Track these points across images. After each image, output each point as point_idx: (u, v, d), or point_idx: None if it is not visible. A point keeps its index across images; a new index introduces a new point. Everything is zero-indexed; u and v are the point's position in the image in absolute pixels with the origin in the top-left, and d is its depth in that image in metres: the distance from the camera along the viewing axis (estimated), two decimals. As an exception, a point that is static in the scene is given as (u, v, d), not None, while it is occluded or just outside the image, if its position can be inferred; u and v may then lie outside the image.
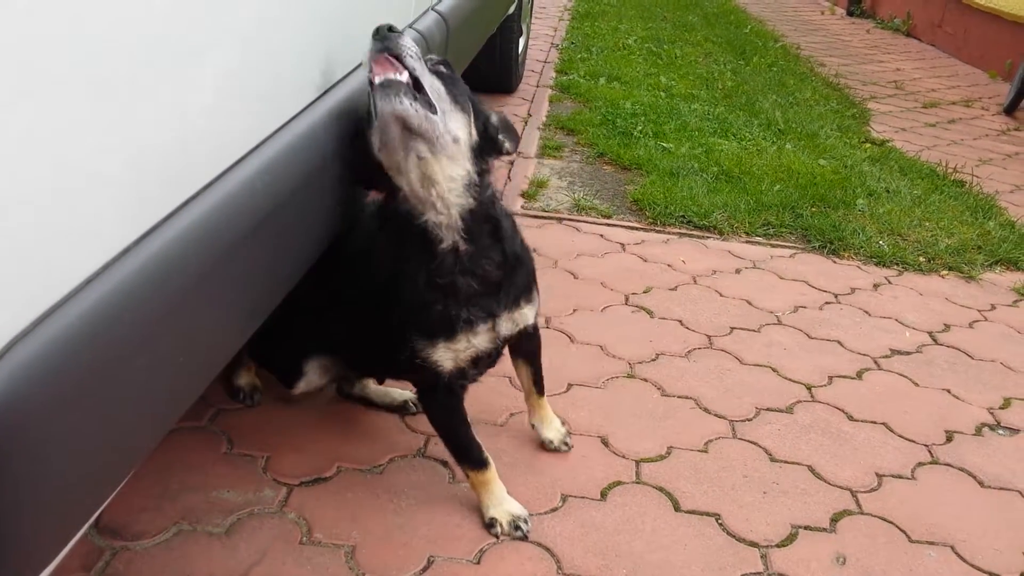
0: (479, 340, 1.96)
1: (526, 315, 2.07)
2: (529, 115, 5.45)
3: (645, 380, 2.74)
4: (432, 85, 1.78)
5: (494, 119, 1.93)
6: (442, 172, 1.80)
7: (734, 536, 2.11)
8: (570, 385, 2.67)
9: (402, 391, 2.47)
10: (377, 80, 1.72)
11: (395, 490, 2.16)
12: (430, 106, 1.74)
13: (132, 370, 1.13)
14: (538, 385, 2.32)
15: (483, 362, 2.05)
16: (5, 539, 0.97)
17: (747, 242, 3.91)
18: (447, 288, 1.89)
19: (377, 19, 1.87)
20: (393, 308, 1.94)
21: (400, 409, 2.46)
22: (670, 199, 4.13)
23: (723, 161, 4.71)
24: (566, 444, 2.37)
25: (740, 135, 5.30)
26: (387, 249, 1.94)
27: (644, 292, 3.33)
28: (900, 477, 2.39)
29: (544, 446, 2.36)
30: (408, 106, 1.71)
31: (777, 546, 2.09)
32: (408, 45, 1.76)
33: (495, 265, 1.93)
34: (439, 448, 2.16)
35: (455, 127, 1.80)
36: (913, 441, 2.56)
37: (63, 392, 1.01)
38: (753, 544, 2.08)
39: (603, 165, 4.71)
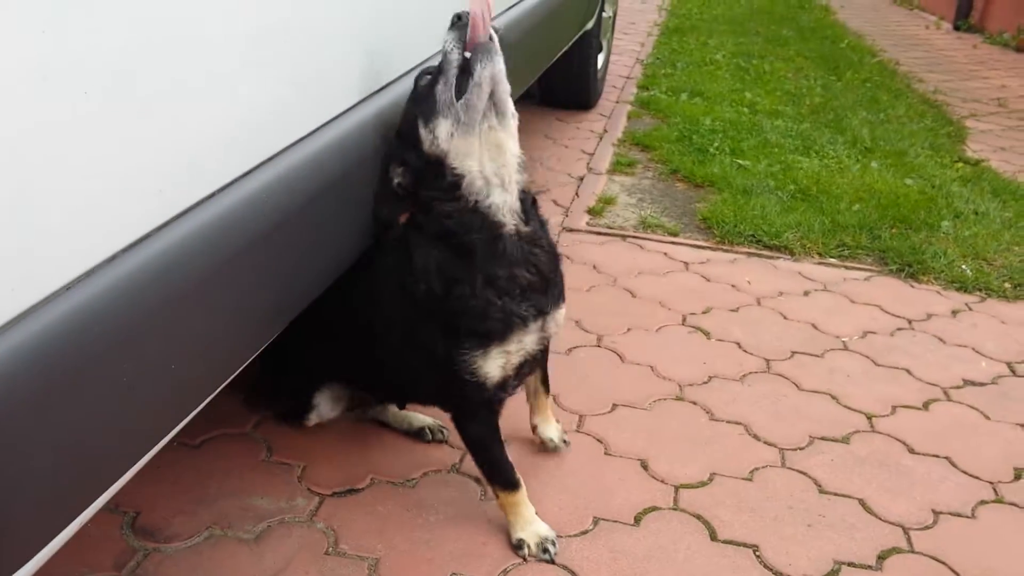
0: (529, 340, 1.93)
1: (562, 314, 2.05)
2: (605, 131, 5.41)
3: (694, 403, 2.67)
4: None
5: None
6: (507, 144, 1.84)
7: (771, 569, 2.02)
8: (615, 405, 2.62)
9: (421, 417, 2.43)
10: (481, 37, 1.75)
11: (425, 505, 2.16)
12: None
13: (124, 368, 1.16)
14: (545, 384, 2.33)
15: (524, 368, 2.01)
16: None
17: (819, 263, 3.77)
18: (506, 282, 1.85)
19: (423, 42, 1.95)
20: (437, 320, 1.88)
21: (417, 435, 2.41)
22: (740, 217, 4.03)
23: (801, 179, 4.56)
24: (565, 442, 2.41)
25: (823, 152, 5.13)
26: (430, 258, 1.86)
27: (703, 312, 3.25)
28: (959, 515, 2.25)
29: (544, 445, 2.38)
30: (502, 67, 1.77)
31: (815, 582, 1.99)
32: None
33: (547, 255, 1.94)
34: (473, 465, 2.15)
35: (510, 100, 1.86)
36: (977, 477, 2.40)
37: (57, 383, 1.05)
38: (790, 579, 2.00)
39: (676, 182, 4.63)
